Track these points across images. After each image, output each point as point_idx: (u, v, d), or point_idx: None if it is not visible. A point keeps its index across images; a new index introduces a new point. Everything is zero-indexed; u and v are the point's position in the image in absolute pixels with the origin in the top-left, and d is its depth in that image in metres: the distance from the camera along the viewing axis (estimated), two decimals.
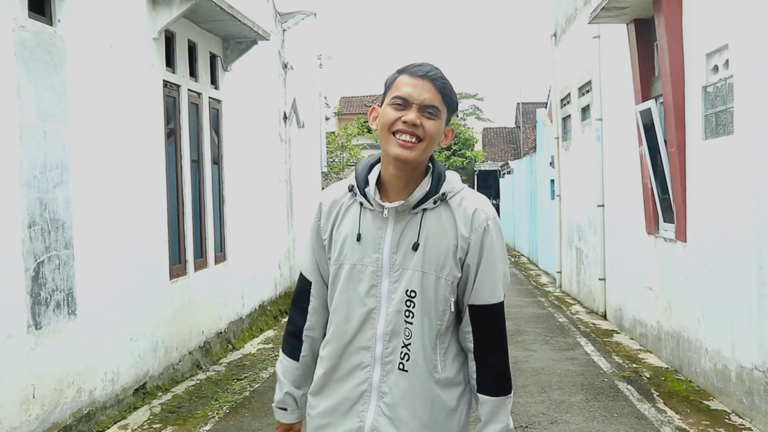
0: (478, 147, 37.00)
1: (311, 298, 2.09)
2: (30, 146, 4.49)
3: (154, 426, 5.41)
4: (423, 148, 1.86)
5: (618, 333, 8.60)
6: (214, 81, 7.83)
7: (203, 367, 7.18)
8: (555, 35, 12.51)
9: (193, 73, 7.26)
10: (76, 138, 5.01)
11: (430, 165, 1.97)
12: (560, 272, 12.72)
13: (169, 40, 6.71)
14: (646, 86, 7.20)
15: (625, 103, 8.04)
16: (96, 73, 5.33)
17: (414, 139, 1.85)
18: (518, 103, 34.76)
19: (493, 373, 1.97)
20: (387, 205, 1.92)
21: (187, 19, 6.85)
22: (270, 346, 8.27)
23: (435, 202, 1.93)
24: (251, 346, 8.28)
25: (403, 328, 1.92)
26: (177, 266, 6.82)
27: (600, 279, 9.62)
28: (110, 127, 5.54)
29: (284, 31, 10.91)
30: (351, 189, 2.00)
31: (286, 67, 10.89)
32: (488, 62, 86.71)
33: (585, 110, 10.58)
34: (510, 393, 2.00)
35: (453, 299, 1.96)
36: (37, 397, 4.54)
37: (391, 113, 1.87)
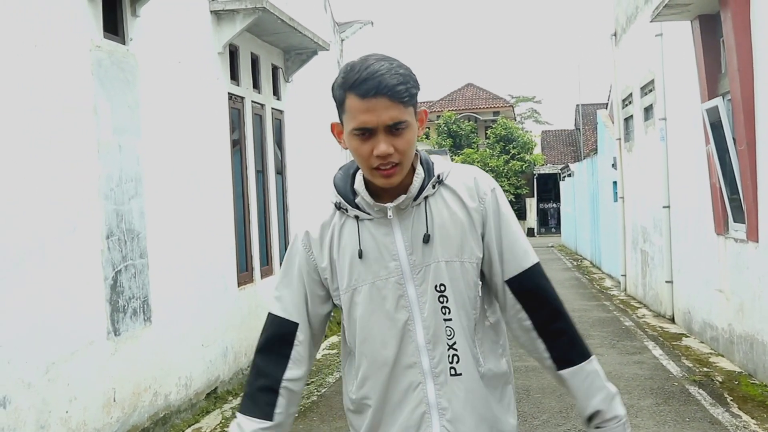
0: (537, 150, 36.61)
1: (296, 343, 1.83)
2: (106, 160, 4.71)
3: (226, 429, 5.56)
4: (404, 166, 1.72)
5: (687, 336, 8.39)
6: (276, 92, 8.01)
7: None
8: (615, 35, 12.31)
9: (256, 85, 7.45)
10: (148, 151, 5.22)
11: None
12: (625, 275, 12.48)
13: (233, 53, 6.91)
14: (712, 84, 7.03)
15: (690, 102, 7.87)
16: (166, 88, 5.54)
17: (392, 166, 1.68)
18: (577, 105, 34.29)
19: (564, 341, 1.82)
20: (388, 205, 1.75)
21: (249, 32, 7.04)
22: (334, 351, 8.38)
23: (434, 186, 1.78)
24: (317, 353, 8.39)
25: (444, 327, 1.77)
26: (244, 273, 7.00)
27: (667, 281, 9.40)
28: (179, 139, 5.75)
29: (342, 40, 11.07)
30: (339, 207, 1.81)
31: None
32: (545, 64, 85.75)
33: (648, 110, 10.39)
34: (592, 356, 1.84)
35: (480, 283, 1.82)
36: (118, 400, 4.74)
37: (359, 146, 1.67)
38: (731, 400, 5.76)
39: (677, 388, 6.17)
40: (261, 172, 7.59)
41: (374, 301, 1.77)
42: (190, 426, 5.60)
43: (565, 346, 1.83)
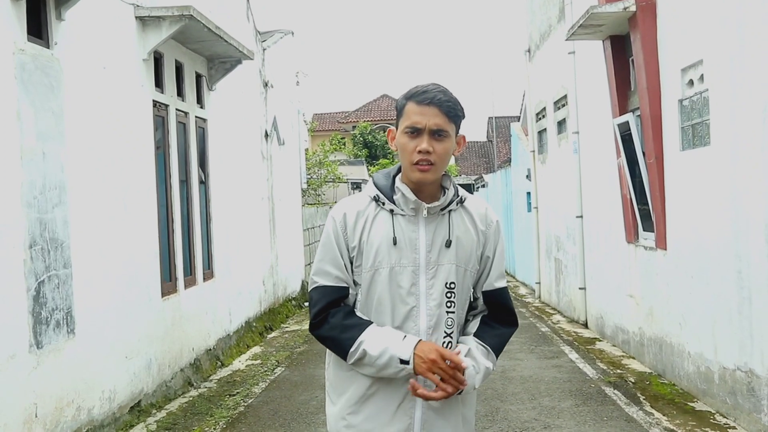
0: (451, 161, 37.34)
1: (347, 301, 2.18)
2: (30, 167, 4.55)
3: None
4: (437, 169, 2.13)
5: (600, 341, 8.80)
6: (199, 100, 7.92)
7: (195, 384, 7.20)
8: (529, 51, 12.80)
9: (180, 92, 7.35)
10: (72, 159, 5.07)
11: (445, 174, 2.25)
12: (539, 283, 12.93)
13: (158, 60, 6.79)
14: (622, 100, 7.45)
15: (602, 117, 8.29)
16: (90, 94, 5.40)
17: (428, 164, 2.10)
18: (490, 118, 35.22)
19: (495, 333, 2.25)
20: (424, 204, 2.15)
21: (174, 40, 6.93)
22: (258, 362, 8.32)
23: (457, 205, 2.22)
24: (240, 363, 8.31)
25: (446, 318, 2.16)
26: (168, 284, 6.86)
27: (580, 288, 9.83)
28: (104, 147, 5.60)
29: (264, 50, 11.04)
30: (377, 199, 2.19)
31: (266, 85, 11.00)
32: (458, 77, 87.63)
33: (561, 124, 10.84)
34: (494, 362, 2.23)
35: (472, 289, 2.26)
36: (39, 416, 4.57)
37: (407, 142, 2.12)
38: (644, 399, 6.10)
39: (594, 389, 6.48)
40: (184, 182, 7.47)
41: (392, 283, 2.14)
42: None
43: (492, 335, 2.25)
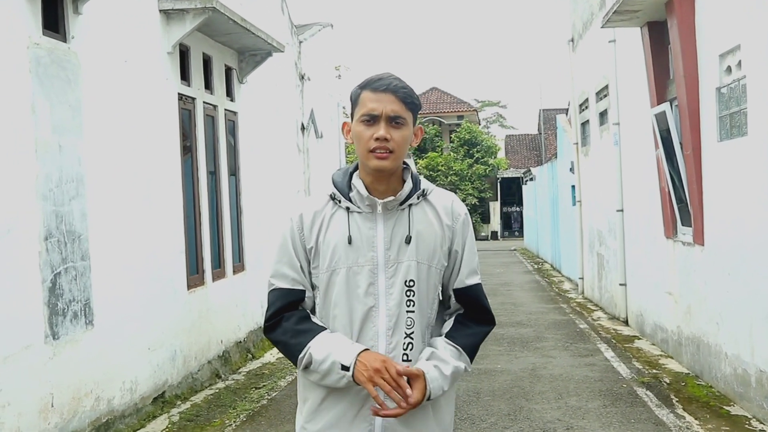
0: (501, 154, 36.87)
1: (304, 304, 2.10)
2: (45, 160, 4.59)
3: None
4: (396, 157, 2.03)
5: (639, 339, 8.50)
6: (229, 93, 7.93)
7: (222, 376, 7.24)
8: (572, 41, 12.46)
9: (208, 85, 7.36)
10: (91, 152, 5.11)
11: (404, 166, 2.13)
12: (582, 278, 12.62)
13: (184, 53, 6.82)
14: (660, 89, 7.15)
15: (642, 107, 7.98)
16: (111, 87, 5.44)
17: (386, 152, 2.01)
18: (540, 110, 34.65)
19: (468, 332, 2.12)
20: (379, 201, 2.05)
21: (201, 32, 6.95)
22: None
23: (418, 198, 2.10)
24: (270, 356, 8.33)
25: (405, 318, 2.05)
26: (194, 276, 6.90)
27: (621, 284, 9.53)
28: (126, 140, 5.64)
29: (300, 42, 11.01)
30: (333, 197, 2.10)
31: (303, 78, 10.98)
32: (511, 69, 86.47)
33: (603, 115, 10.53)
34: (469, 364, 2.11)
35: (440, 287, 2.14)
36: (56, 405, 4.62)
37: (363, 130, 2.03)
38: (677, 401, 5.84)
39: (625, 389, 6.24)
40: (213, 174, 7.50)
41: (349, 284, 2.04)
42: (135, 431, 5.49)
43: (465, 334, 2.13)
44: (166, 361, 6.18)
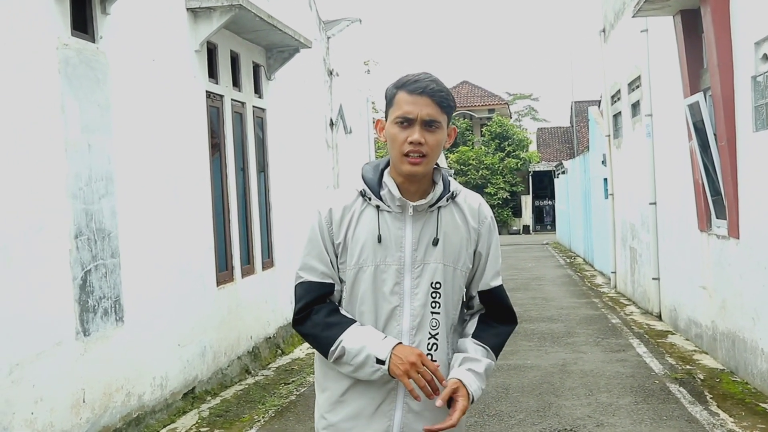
0: (533, 147, 36.52)
1: (333, 298, 2.10)
2: (75, 159, 4.65)
3: (201, 429, 5.52)
4: (429, 161, 2.03)
5: (673, 334, 8.35)
6: (257, 90, 7.96)
7: (252, 371, 7.29)
8: (604, 31, 12.27)
9: (236, 83, 7.40)
10: (120, 150, 5.17)
11: (435, 167, 2.13)
12: (614, 272, 12.44)
13: (212, 51, 6.86)
14: (694, 79, 6.99)
15: (675, 98, 7.82)
16: (139, 86, 5.49)
17: (420, 156, 2.00)
18: (572, 102, 34.23)
19: (494, 332, 2.16)
20: (410, 203, 2.05)
21: (228, 30, 6.98)
22: None
23: (447, 200, 2.11)
24: (300, 351, 8.36)
25: (430, 319, 2.06)
26: (224, 273, 6.95)
27: (654, 279, 9.37)
28: (154, 138, 5.69)
29: (328, 38, 11.01)
30: (363, 194, 2.09)
31: (331, 74, 10.98)
32: (542, 62, 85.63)
33: (635, 106, 10.35)
34: (495, 359, 2.16)
35: (464, 289, 2.17)
36: (87, 401, 4.70)
37: (397, 133, 2.02)
38: (711, 398, 5.72)
39: (658, 386, 6.13)
40: (242, 171, 7.54)
41: (376, 281, 2.05)
42: (165, 426, 5.56)
43: (490, 334, 2.16)
44: (195, 356, 6.24)
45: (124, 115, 5.25)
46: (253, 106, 7.80)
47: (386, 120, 2.08)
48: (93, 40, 4.95)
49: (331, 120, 10.96)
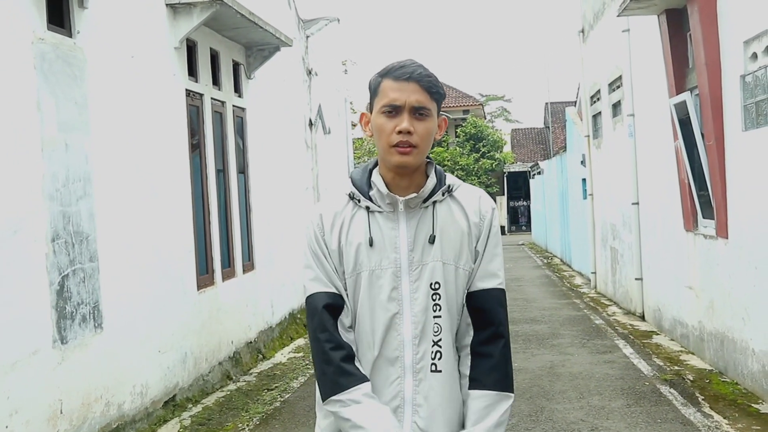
0: (507, 148, 36.63)
1: (344, 311, 1.91)
2: (52, 159, 4.45)
3: None
4: (420, 151, 1.87)
5: (657, 334, 8.33)
6: (237, 89, 7.77)
7: (234, 377, 7.10)
8: (583, 32, 12.27)
9: (216, 81, 7.21)
10: (98, 150, 4.97)
11: (428, 161, 1.97)
12: (595, 273, 12.44)
13: (191, 49, 6.66)
14: (679, 78, 6.96)
15: (658, 97, 7.80)
16: (117, 84, 5.29)
17: (409, 146, 1.85)
18: (546, 103, 34.41)
19: (489, 364, 1.90)
20: (400, 198, 1.89)
21: (208, 27, 6.80)
22: (301, 354, 8.18)
23: (443, 194, 1.94)
24: (282, 356, 8.19)
25: (432, 324, 1.89)
26: (204, 276, 6.75)
27: (636, 279, 9.35)
28: (133, 137, 5.49)
29: (307, 37, 10.85)
30: (352, 197, 1.95)
31: (310, 73, 10.82)
32: (515, 63, 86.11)
33: (616, 106, 10.34)
34: (509, 392, 1.90)
35: (466, 292, 1.95)
36: (65, 412, 4.49)
37: (384, 123, 1.86)
38: (702, 400, 5.67)
39: (648, 387, 6.07)
40: (222, 171, 7.35)
41: (372, 289, 1.89)
42: None
43: (488, 368, 1.91)
44: (176, 363, 6.04)
45: (102, 114, 5.04)
46: (233, 106, 7.62)
47: (371, 112, 1.92)
48: (70, 34, 4.74)
49: (310, 120, 10.79)
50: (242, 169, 7.91)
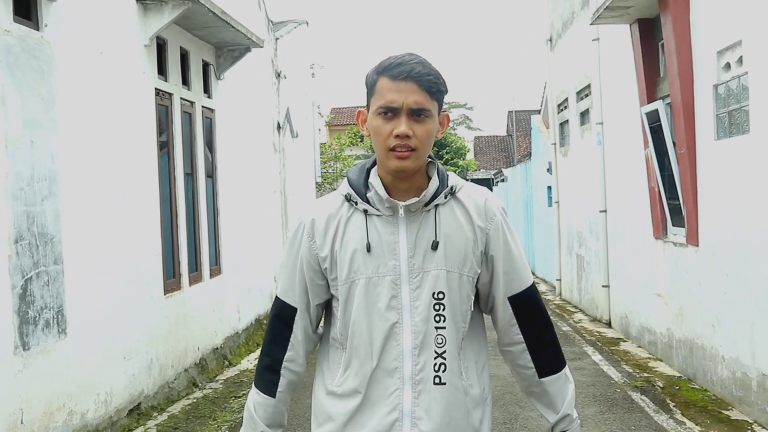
0: (470, 156, 36.88)
1: (294, 327, 1.90)
2: (16, 157, 4.25)
3: None
4: (419, 155, 1.77)
5: (624, 341, 8.39)
6: (207, 90, 7.61)
7: (199, 384, 6.91)
8: (551, 40, 12.37)
9: (185, 81, 7.04)
10: (65, 148, 4.78)
11: (429, 161, 1.87)
12: (560, 280, 12.52)
13: (161, 47, 6.49)
14: (651, 87, 7.03)
15: (628, 106, 7.87)
16: (86, 80, 5.11)
17: (408, 150, 1.74)
18: (510, 111, 34.73)
19: (551, 351, 1.94)
20: (400, 203, 1.78)
21: (178, 25, 6.63)
22: None
23: (446, 197, 1.83)
24: (248, 362, 8.02)
25: (435, 335, 1.79)
26: (171, 281, 6.57)
27: (603, 286, 9.42)
28: (101, 136, 5.31)
29: (277, 39, 10.72)
30: (349, 199, 1.84)
31: (279, 76, 10.68)
32: (477, 72, 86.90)
33: (584, 114, 10.42)
34: (566, 363, 2.00)
35: (473, 297, 1.87)
36: (26, 422, 4.28)
37: (381, 125, 1.75)
38: (674, 406, 5.70)
39: (620, 394, 6.09)
40: (190, 175, 7.17)
41: (369, 297, 1.79)
42: None
43: (551, 356, 1.94)
44: (142, 370, 5.85)
45: (69, 111, 4.85)
46: (203, 106, 7.45)
47: (368, 110, 1.80)
48: (37, 27, 4.55)
49: (279, 123, 10.65)
50: (210, 172, 7.74)
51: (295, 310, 1.89)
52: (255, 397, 1.95)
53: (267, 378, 1.92)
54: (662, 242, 7.09)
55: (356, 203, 1.83)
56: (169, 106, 6.65)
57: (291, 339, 1.90)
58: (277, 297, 1.94)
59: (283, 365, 1.91)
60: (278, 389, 1.91)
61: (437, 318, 1.79)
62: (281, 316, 1.91)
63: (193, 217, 7.19)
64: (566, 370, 1.97)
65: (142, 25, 6.01)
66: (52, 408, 4.57)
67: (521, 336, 1.91)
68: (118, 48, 5.62)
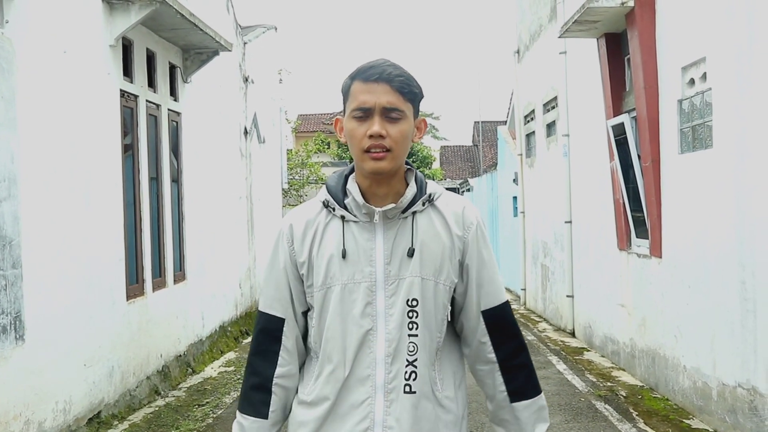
0: (436, 165, 37.06)
1: (283, 339, 1.85)
2: None
3: None
4: (395, 156, 1.76)
5: (588, 350, 8.47)
6: (173, 92, 7.50)
7: (162, 392, 6.78)
8: (518, 52, 12.49)
9: (151, 83, 6.94)
10: (26, 149, 4.66)
11: (408, 168, 1.87)
12: (524, 289, 12.61)
13: (127, 48, 6.38)
14: (617, 101, 7.13)
15: (594, 119, 7.98)
16: (48, 79, 4.99)
17: (382, 150, 1.74)
18: (476, 122, 35.01)
19: (524, 374, 1.89)
20: (377, 209, 1.77)
21: (145, 26, 6.53)
22: (232, 368, 7.91)
23: (424, 204, 1.83)
24: (212, 369, 7.90)
25: (407, 343, 1.77)
26: (134, 286, 6.44)
27: (568, 296, 9.51)
28: (64, 137, 5.19)
29: (245, 44, 10.64)
30: (327, 205, 1.84)
31: (246, 80, 10.60)
32: (444, 82, 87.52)
33: (550, 126, 10.54)
34: (542, 391, 1.93)
35: (449, 307, 1.86)
36: None
37: (355, 127, 1.76)
38: (637, 415, 5.76)
39: (584, 403, 6.13)
40: (155, 179, 7.05)
41: (344, 304, 1.78)
42: None
43: (525, 378, 1.90)
44: (102, 377, 5.71)
45: (30, 110, 4.73)
46: (169, 109, 7.34)
47: (344, 115, 1.82)
48: None
49: (246, 128, 10.55)
50: (176, 176, 7.63)
51: (282, 321, 1.85)
52: (242, 423, 1.87)
53: (256, 399, 1.85)
54: (626, 253, 7.18)
55: (334, 209, 1.82)
56: (135, 108, 6.53)
57: (281, 352, 1.85)
58: (260, 312, 1.89)
59: (274, 382, 1.85)
60: (270, 409, 1.85)
61: (410, 325, 1.77)
62: (267, 329, 1.86)
63: (157, 222, 7.07)
64: (542, 400, 1.90)
65: (108, 25, 5.90)
66: (8, 417, 4.43)
67: (494, 355, 1.87)
68: (83, 47, 5.51)
